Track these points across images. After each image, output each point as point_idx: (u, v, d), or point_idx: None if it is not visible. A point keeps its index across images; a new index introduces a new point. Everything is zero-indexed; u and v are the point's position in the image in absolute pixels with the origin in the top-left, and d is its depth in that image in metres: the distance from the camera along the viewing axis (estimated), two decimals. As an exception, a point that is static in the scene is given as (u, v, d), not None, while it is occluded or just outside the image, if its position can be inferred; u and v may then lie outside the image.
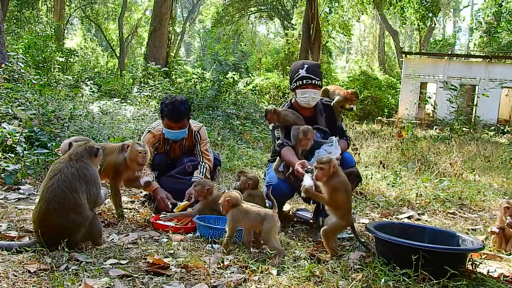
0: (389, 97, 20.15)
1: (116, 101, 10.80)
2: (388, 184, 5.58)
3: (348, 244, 3.22)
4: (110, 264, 2.41)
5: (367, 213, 4.28)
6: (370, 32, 36.75)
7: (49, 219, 2.48)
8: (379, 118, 16.36)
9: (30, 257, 2.36)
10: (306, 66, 3.72)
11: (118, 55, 24.62)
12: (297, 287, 2.29)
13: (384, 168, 6.75)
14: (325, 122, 3.76)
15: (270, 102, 15.24)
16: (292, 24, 22.20)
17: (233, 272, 2.42)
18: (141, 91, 12.69)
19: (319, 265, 2.59)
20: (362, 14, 24.38)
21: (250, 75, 15.66)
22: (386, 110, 18.63)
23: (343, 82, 21.69)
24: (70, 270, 2.26)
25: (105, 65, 23.99)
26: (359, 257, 2.84)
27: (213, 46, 23.82)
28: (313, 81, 3.63)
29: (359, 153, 7.54)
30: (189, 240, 3.01)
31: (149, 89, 12.25)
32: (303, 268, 2.51)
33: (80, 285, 2.04)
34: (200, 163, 3.81)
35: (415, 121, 13.65)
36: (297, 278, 2.38)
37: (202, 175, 3.73)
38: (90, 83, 12.61)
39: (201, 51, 28.77)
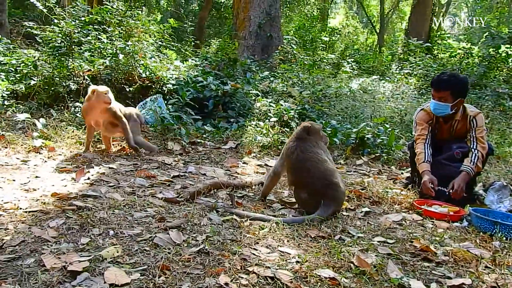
0: None
1: (375, 78, 10.91)
2: None
3: None
4: (378, 241, 2.56)
5: None
6: None
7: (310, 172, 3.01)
8: None
9: (311, 225, 2.71)
10: None
11: (377, 31, 24.66)
12: None
13: None
14: None
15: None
16: None
17: (507, 273, 2.25)
18: (400, 68, 12.49)
19: None
20: None
21: (530, 47, 13.49)
22: None
23: None
24: (344, 241, 2.51)
25: (364, 42, 24.40)
26: None
27: (483, 16, 21.45)
28: None
29: None
30: (455, 229, 2.95)
31: (409, 66, 11.95)
32: None
33: (353, 256, 2.24)
34: (472, 150, 3.58)
35: None
36: None
37: (473, 164, 3.51)
38: (351, 61, 13.06)
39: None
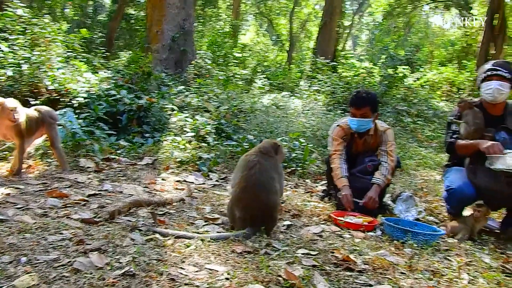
0: None
1: (285, 95, 11.27)
2: None
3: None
4: (302, 254, 2.63)
5: None
6: None
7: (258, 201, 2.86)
8: None
9: (236, 241, 2.71)
10: (494, 61, 3.58)
11: (287, 49, 25.59)
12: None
13: None
14: None
15: (443, 99, 14.28)
16: (472, 14, 20.32)
17: (420, 278, 2.43)
18: (309, 85, 13.03)
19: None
20: None
21: (422, 69, 14.85)
22: None
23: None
24: (270, 255, 2.54)
25: (274, 59, 25.16)
26: None
27: (382, 39, 23.18)
28: (499, 72, 3.42)
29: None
30: (371, 239, 3.11)
31: (317, 83, 12.50)
32: (496, 281, 2.42)
33: (281, 269, 2.28)
34: (383, 163, 3.84)
35: None
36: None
37: (384, 176, 3.76)
38: (262, 77, 13.37)
39: (369, 44, 28.22)
